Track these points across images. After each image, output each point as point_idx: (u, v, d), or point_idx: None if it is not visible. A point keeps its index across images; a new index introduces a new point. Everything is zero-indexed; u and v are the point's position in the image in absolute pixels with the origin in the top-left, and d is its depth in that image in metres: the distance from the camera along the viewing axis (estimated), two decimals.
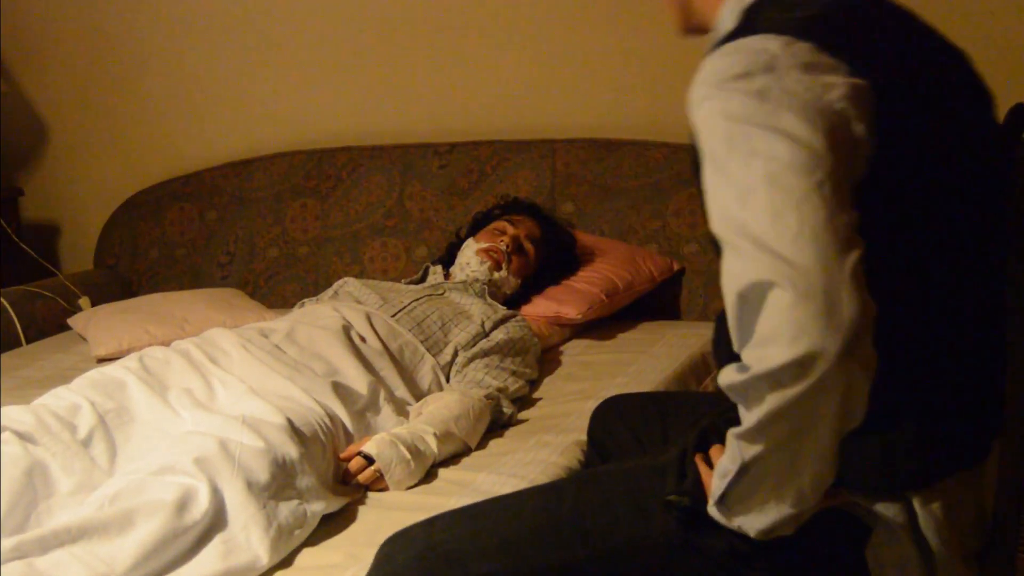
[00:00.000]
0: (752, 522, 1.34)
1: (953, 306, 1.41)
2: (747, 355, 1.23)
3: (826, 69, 1.28)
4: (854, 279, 1.18)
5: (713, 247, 1.34)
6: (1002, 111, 1.53)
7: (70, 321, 3.53)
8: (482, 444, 2.34)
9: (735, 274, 1.24)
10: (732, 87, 1.28)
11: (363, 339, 2.57)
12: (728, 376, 1.25)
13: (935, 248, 1.39)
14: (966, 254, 1.43)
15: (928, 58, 1.44)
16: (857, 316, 1.17)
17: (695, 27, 1.59)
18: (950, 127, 1.41)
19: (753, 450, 1.27)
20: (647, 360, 2.91)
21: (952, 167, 1.40)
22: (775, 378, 1.19)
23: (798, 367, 1.18)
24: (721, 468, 1.34)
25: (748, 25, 1.38)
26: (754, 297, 1.21)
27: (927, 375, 1.41)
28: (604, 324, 3.25)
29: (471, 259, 3.05)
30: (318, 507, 1.94)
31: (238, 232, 3.93)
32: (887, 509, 1.43)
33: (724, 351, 1.38)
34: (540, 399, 2.68)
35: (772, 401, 1.21)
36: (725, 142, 1.27)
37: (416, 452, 2.13)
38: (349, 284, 2.99)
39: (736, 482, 1.32)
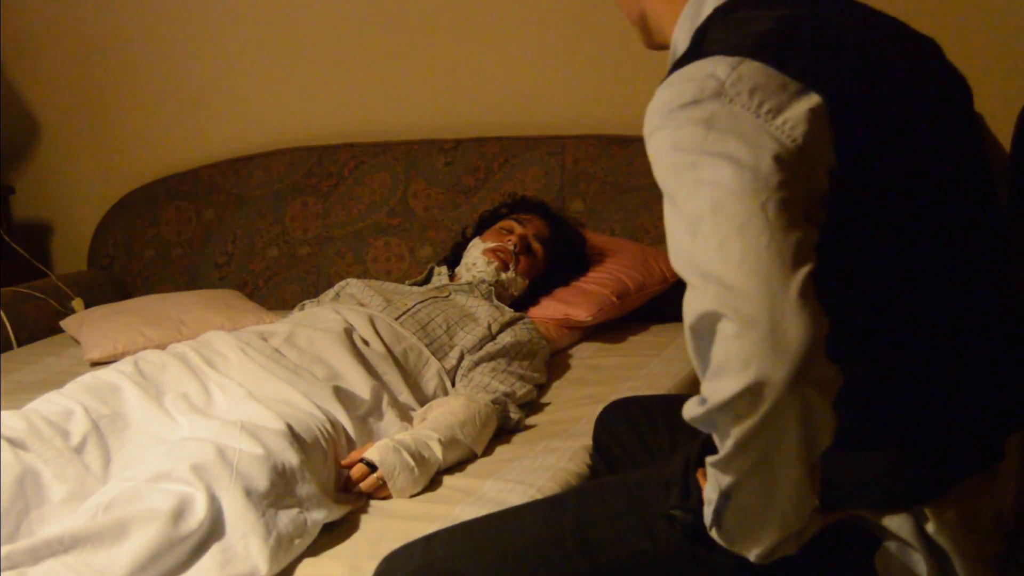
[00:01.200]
0: (749, 549, 1.34)
1: (949, 311, 1.41)
2: (704, 388, 1.24)
3: (776, 89, 1.28)
4: (800, 300, 1.18)
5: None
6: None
7: (63, 323, 3.54)
8: (488, 450, 2.34)
9: (688, 308, 1.25)
10: (681, 116, 1.29)
11: (366, 342, 2.57)
12: (690, 409, 1.26)
13: (920, 251, 1.39)
14: (956, 253, 1.43)
15: (890, 61, 1.44)
16: (804, 339, 1.17)
17: (657, 45, 1.63)
18: (917, 130, 1.42)
19: (727, 479, 1.28)
20: (659, 364, 2.90)
21: (927, 165, 1.41)
22: (731, 409, 1.20)
23: (749, 396, 1.18)
24: (706, 496, 1.36)
25: (697, 48, 1.38)
26: (705, 329, 1.22)
27: (925, 384, 1.41)
28: (615, 327, 3.25)
29: (477, 259, 3.05)
30: (319, 516, 1.94)
31: (236, 231, 3.94)
32: (895, 520, 1.43)
33: None
34: (548, 404, 2.67)
35: (735, 433, 1.21)
36: (674, 174, 1.29)
37: (420, 459, 2.13)
38: (351, 285, 3.00)
39: (720, 510, 1.33)
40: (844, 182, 1.31)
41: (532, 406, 2.63)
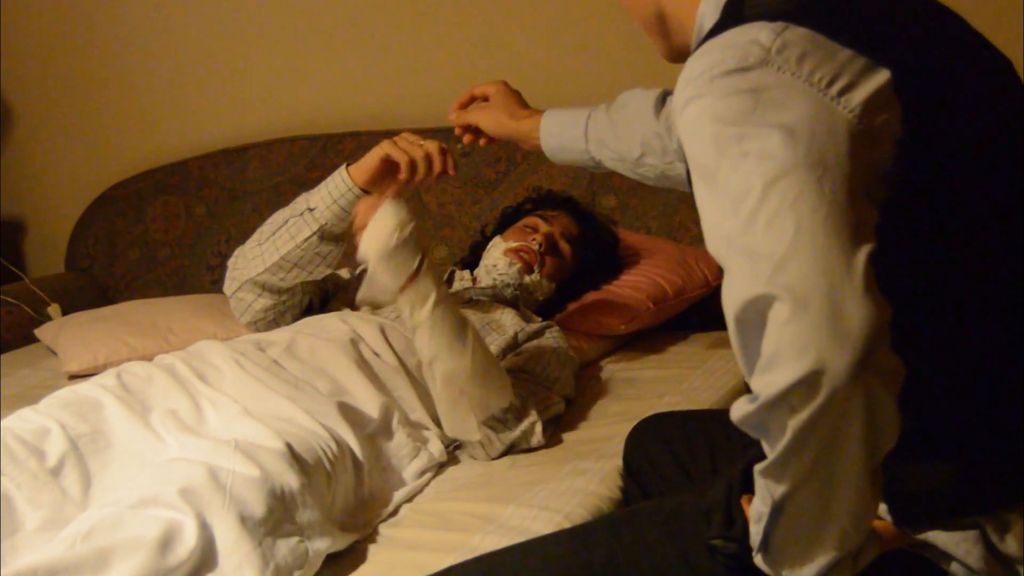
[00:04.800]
0: (800, 572, 1.34)
1: (1010, 308, 1.42)
2: (755, 383, 1.23)
3: (827, 56, 1.29)
4: (862, 280, 1.18)
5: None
6: None
7: (38, 332, 3.55)
8: (511, 473, 2.34)
9: (731, 296, 1.24)
10: (723, 85, 1.30)
11: (376, 354, 2.56)
12: (739, 409, 1.25)
13: (989, 235, 1.40)
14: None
15: (942, 30, 1.46)
16: (868, 323, 1.16)
17: (678, 49, 1.64)
18: (979, 102, 1.43)
19: (781, 488, 1.27)
20: (700, 377, 2.90)
21: (994, 150, 1.42)
22: (786, 403, 1.19)
23: (806, 387, 1.17)
24: (755, 512, 1.35)
25: (734, 15, 1.39)
26: (753, 318, 1.21)
27: (992, 394, 1.41)
28: (651, 335, 3.25)
29: (499, 260, 3.04)
30: (321, 545, 1.94)
31: (231, 230, 3.94)
32: (963, 544, 1.43)
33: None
34: (578, 421, 2.67)
35: (791, 430, 1.20)
36: (715, 147, 1.29)
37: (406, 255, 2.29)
38: None
39: (772, 526, 1.32)
40: (910, 153, 1.31)
41: (559, 423, 2.63)
